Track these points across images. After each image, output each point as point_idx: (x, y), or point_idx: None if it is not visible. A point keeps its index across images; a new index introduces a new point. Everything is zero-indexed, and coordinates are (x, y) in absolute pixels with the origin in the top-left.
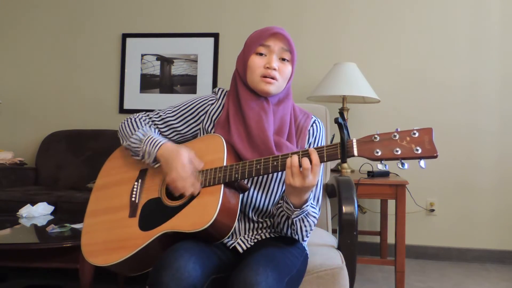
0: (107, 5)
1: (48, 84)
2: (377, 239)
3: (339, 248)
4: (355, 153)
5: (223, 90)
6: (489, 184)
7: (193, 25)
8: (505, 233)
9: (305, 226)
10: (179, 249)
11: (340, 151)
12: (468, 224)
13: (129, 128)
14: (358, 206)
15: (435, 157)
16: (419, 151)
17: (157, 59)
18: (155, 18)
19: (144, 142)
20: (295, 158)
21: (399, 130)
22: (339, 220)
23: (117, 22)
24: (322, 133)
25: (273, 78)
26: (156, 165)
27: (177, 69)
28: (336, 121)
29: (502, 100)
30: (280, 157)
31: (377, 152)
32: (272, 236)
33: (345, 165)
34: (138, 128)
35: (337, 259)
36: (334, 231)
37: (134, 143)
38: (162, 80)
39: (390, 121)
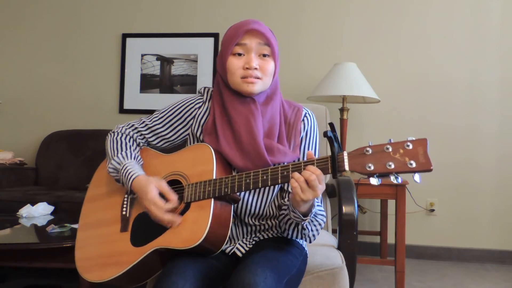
0: (107, 5)
1: (48, 84)
2: (377, 239)
3: (339, 248)
4: (347, 167)
5: (209, 90)
6: (489, 184)
7: (193, 25)
8: (505, 233)
9: (315, 225)
10: (172, 275)
11: (330, 165)
12: (468, 224)
13: (111, 149)
14: (358, 206)
15: (430, 170)
16: (413, 165)
17: (157, 59)
18: (155, 18)
19: (120, 172)
20: (297, 174)
21: (392, 141)
22: (339, 220)
23: (117, 22)
24: (314, 126)
25: (256, 77)
26: (135, 196)
27: (177, 69)
28: (325, 134)
29: (502, 100)
30: (269, 170)
31: (370, 167)
32: (271, 236)
33: None
34: (119, 150)
35: (337, 259)
36: (334, 231)
37: (112, 172)
38: (162, 80)
39: (390, 121)
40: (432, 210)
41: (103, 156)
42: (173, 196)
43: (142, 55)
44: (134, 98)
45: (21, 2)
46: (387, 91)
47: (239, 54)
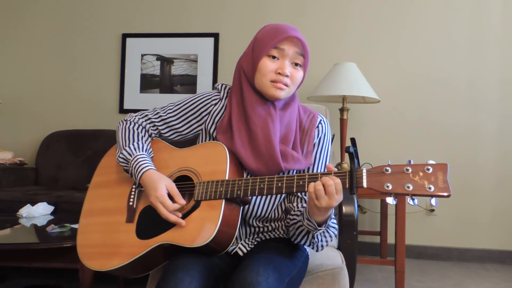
0: (107, 5)
1: (48, 84)
2: (377, 239)
3: (339, 248)
4: (364, 184)
5: (226, 87)
6: (489, 184)
7: (193, 25)
8: (505, 233)
9: (325, 237)
10: (178, 271)
11: (348, 180)
12: (468, 224)
13: (122, 138)
14: (358, 206)
15: (448, 196)
16: (432, 189)
17: (157, 59)
18: (155, 18)
19: (130, 163)
20: (317, 182)
21: (412, 162)
22: (339, 220)
23: (117, 22)
24: (327, 133)
25: (285, 84)
26: (142, 189)
27: (177, 69)
28: (347, 150)
29: (502, 100)
30: (285, 178)
31: (388, 186)
32: (273, 237)
33: (345, 165)
34: (131, 140)
35: (337, 259)
36: None
37: (122, 162)
38: (162, 80)
39: (390, 121)
40: (432, 210)
41: (103, 156)
42: (181, 201)
43: (142, 55)
44: (134, 98)
45: (21, 2)
46: (387, 91)
47: (274, 57)
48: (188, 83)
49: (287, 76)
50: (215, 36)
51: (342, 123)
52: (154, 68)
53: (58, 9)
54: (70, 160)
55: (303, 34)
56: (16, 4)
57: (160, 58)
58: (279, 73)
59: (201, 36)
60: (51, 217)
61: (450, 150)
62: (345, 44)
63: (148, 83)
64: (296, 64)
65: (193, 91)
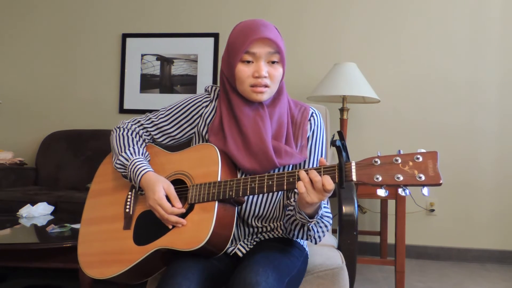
0: (107, 5)
1: (48, 84)
2: (377, 239)
3: (339, 248)
4: (354, 178)
5: (216, 89)
6: (489, 184)
7: (193, 25)
8: (505, 233)
9: (321, 227)
10: (176, 276)
11: (337, 174)
12: (468, 224)
13: (118, 145)
14: (358, 206)
15: (439, 185)
16: (422, 179)
17: (157, 59)
18: (155, 18)
19: (128, 168)
20: (303, 173)
21: (401, 152)
22: (339, 220)
23: (117, 22)
24: (320, 125)
25: (264, 86)
26: (143, 193)
27: (177, 69)
28: (334, 143)
29: (502, 100)
30: (275, 176)
31: (377, 178)
32: (272, 237)
33: None
34: (126, 146)
35: (337, 259)
36: (334, 231)
37: (120, 168)
38: (162, 80)
39: (390, 121)
40: (432, 210)
41: (103, 156)
42: (178, 204)
43: (142, 55)
44: (134, 98)
45: (21, 2)
46: (387, 91)
47: (248, 62)
48: (188, 83)
49: (265, 77)
50: (215, 36)
51: (342, 123)
52: (154, 68)
53: (58, 9)
54: (70, 160)
55: (303, 34)
56: (17, 4)
57: (160, 58)
58: (256, 77)
59: (201, 36)
60: (51, 217)
61: (450, 150)
62: (345, 44)
63: (148, 83)
64: (273, 62)
65: (193, 91)
